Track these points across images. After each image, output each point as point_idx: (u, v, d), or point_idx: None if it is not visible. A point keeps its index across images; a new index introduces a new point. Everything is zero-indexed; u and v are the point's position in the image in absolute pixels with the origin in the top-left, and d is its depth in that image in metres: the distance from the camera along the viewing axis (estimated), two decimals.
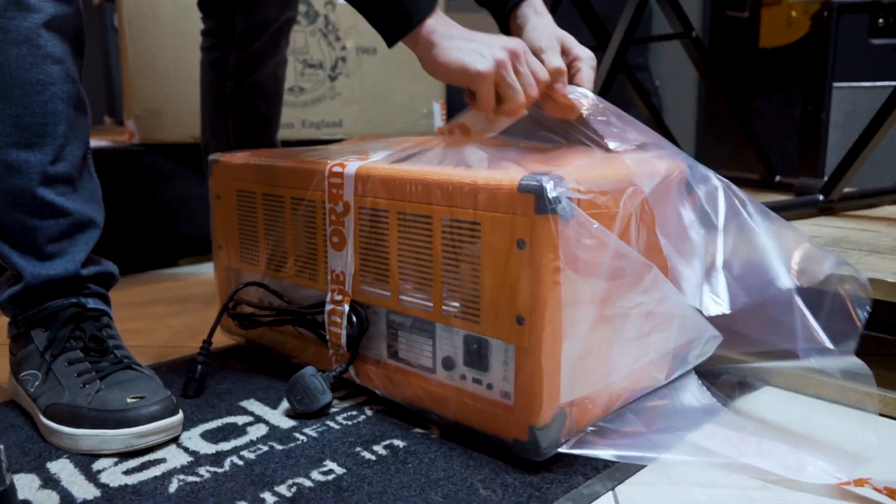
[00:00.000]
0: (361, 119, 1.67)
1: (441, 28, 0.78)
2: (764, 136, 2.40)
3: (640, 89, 1.57)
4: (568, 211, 0.63)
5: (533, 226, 0.63)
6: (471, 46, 0.77)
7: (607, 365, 0.70)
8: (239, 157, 0.96)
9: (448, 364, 0.75)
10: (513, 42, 0.78)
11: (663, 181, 0.74)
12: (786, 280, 0.74)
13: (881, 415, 0.82)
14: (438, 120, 1.77)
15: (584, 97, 0.83)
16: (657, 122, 1.60)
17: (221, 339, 1.07)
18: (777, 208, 1.15)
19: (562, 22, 0.92)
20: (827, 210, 1.21)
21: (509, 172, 0.66)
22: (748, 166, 1.55)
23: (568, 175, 0.65)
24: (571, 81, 0.84)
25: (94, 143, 1.57)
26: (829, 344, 0.71)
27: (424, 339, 0.77)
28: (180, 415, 0.76)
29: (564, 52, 0.85)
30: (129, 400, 0.74)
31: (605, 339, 0.70)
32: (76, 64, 0.80)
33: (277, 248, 0.92)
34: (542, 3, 0.90)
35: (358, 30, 1.64)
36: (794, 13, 2.26)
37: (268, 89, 1.26)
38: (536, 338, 0.65)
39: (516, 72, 0.77)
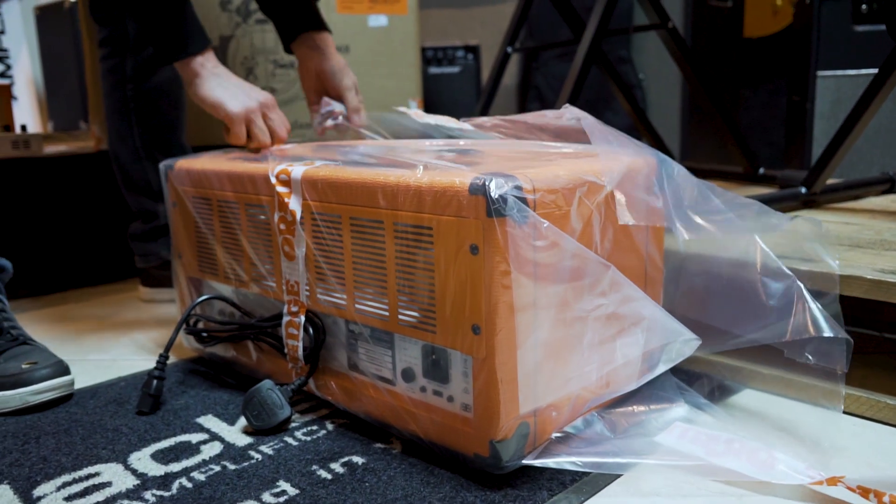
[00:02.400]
0: None
1: (209, 65, 0.95)
2: (751, 127, 2.37)
3: (620, 83, 1.53)
4: (521, 213, 0.59)
5: (485, 229, 0.60)
6: (229, 90, 0.94)
7: (570, 372, 0.67)
8: (193, 163, 0.93)
9: (408, 376, 0.71)
10: (265, 95, 0.96)
11: (627, 175, 0.71)
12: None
13: (863, 417, 0.78)
14: None
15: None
16: (639, 115, 1.56)
17: (185, 352, 1.04)
18: (759, 201, 1.12)
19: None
20: (810, 203, 1.18)
21: (460, 173, 0.63)
22: (732, 159, 1.51)
23: (521, 174, 0.61)
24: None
25: (57, 148, 1.54)
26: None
27: (384, 349, 0.73)
28: (71, 376, 0.89)
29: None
30: (23, 366, 0.86)
31: (566, 346, 0.66)
32: None
33: (235, 257, 0.88)
34: (331, 41, 1.13)
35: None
36: (778, 2, 2.23)
37: (170, 92, 1.27)
38: (492, 347, 0.61)
39: (266, 117, 0.95)
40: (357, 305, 0.74)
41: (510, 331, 0.61)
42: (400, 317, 0.69)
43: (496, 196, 0.59)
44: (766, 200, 1.14)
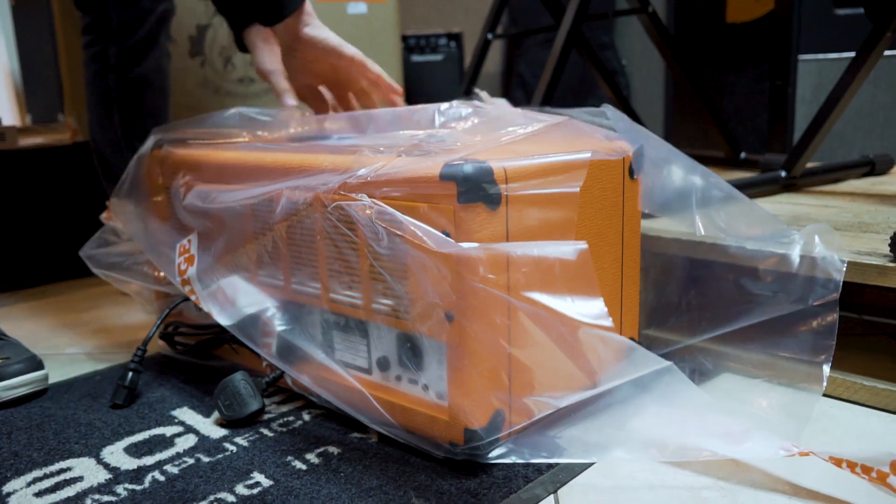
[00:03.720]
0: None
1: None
2: (736, 113, 2.37)
3: (602, 69, 1.52)
4: (493, 199, 0.59)
5: (456, 215, 0.59)
6: None
7: (546, 360, 0.66)
8: (168, 152, 0.91)
9: (383, 364, 0.71)
10: None
11: (590, 164, 0.70)
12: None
13: (840, 399, 0.78)
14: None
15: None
16: (621, 102, 1.56)
17: (163, 344, 1.02)
18: (739, 186, 1.11)
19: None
20: (790, 186, 1.18)
21: (432, 160, 0.62)
22: (716, 144, 1.51)
23: (493, 160, 0.60)
24: None
25: (34, 141, 1.52)
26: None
27: (359, 338, 0.72)
28: (44, 371, 0.87)
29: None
30: None
31: (541, 333, 0.65)
32: None
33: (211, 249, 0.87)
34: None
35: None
36: None
37: (153, 81, 1.25)
38: (466, 335, 0.61)
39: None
40: (331, 295, 0.73)
41: (483, 317, 0.60)
42: (374, 305, 0.69)
43: (467, 182, 0.58)
44: (747, 185, 1.14)
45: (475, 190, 0.58)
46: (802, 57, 1.67)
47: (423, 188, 0.61)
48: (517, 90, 2.44)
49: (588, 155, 0.69)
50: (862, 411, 0.76)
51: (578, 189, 0.66)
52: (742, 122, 2.40)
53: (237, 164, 0.80)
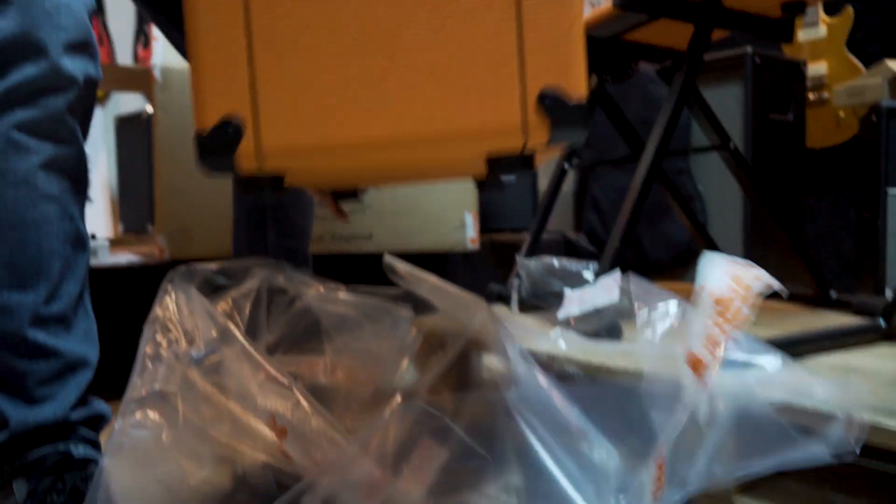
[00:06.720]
0: (392, 232, 1.64)
1: None
2: (818, 238, 2.30)
3: (677, 195, 1.51)
4: None
5: None
6: None
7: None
8: None
9: None
10: None
11: None
12: None
13: None
14: (471, 231, 1.73)
15: None
16: (697, 228, 1.53)
17: None
18: (834, 336, 1.05)
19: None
20: (891, 336, 1.10)
21: None
22: (798, 275, 1.45)
23: None
24: None
25: (125, 258, 1.59)
26: None
27: None
28: None
29: None
30: None
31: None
32: (76, 202, 0.79)
33: None
34: None
35: None
36: (842, 114, 2.21)
37: (302, 200, 1.25)
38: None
39: None
40: None
41: None
42: None
43: None
44: (843, 334, 1.07)
45: None
46: (892, 190, 1.62)
47: None
48: (590, 211, 2.44)
49: None
50: None
51: None
52: (824, 246, 2.31)
53: None
